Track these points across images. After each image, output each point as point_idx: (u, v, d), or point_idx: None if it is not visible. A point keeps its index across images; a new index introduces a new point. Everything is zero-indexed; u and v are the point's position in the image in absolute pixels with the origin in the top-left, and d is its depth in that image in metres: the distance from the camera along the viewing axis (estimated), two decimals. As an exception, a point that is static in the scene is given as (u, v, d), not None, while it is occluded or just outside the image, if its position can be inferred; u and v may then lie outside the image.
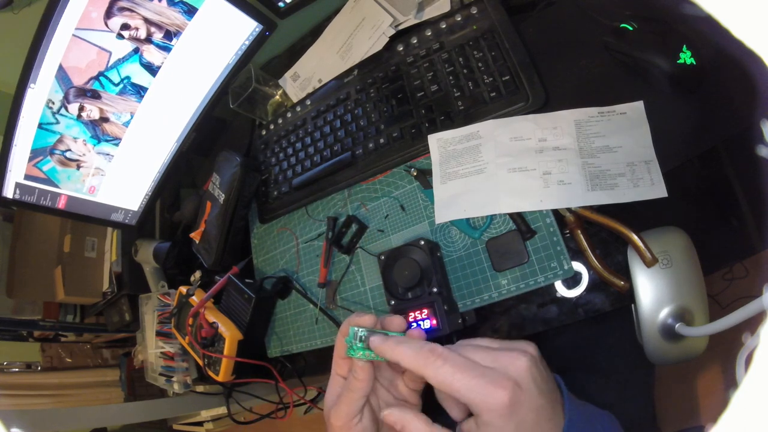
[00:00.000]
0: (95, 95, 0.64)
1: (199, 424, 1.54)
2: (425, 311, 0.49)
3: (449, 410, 0.32)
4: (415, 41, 0.62)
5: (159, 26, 0.62)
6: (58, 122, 0.64)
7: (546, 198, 0.48)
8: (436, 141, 0.57)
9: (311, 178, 0.67)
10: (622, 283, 0.43)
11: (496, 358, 0.29)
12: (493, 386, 0.27)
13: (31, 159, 0.66)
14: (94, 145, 0.70)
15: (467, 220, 0.53)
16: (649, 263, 0.41)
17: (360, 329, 0.33)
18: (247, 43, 0.71)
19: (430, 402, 0.35)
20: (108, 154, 0.72)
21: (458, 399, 0.28)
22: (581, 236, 0.46)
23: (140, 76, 0.66)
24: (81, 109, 0.64)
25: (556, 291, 0.49)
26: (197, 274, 0.78)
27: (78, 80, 0.61)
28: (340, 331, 0.35)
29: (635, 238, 0.42)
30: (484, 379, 0.27)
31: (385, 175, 0.62)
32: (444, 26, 0.60)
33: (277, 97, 0.79)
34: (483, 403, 0.27)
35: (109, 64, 0.62)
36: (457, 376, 0.28)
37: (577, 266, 0.48)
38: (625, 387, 0.58)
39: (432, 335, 0.48)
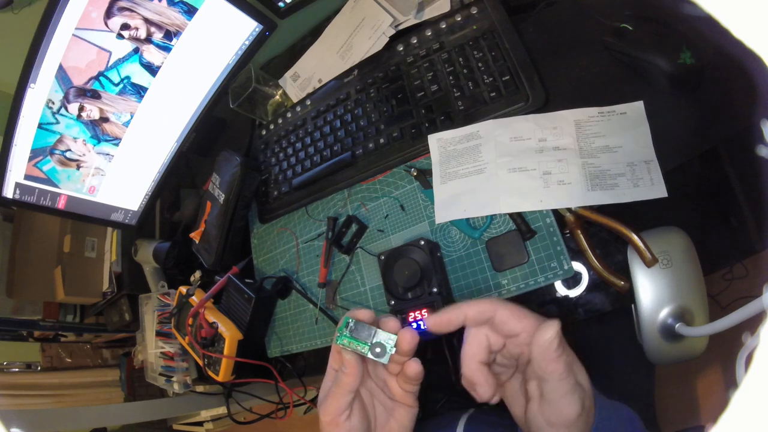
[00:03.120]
0: (95, 95, 0.64)
1: (199, 424, 1.54)
2: (425, 311, 0.49)
3: (479, 387, 0.32)
4: (415, 41, 0.62)
5: (159, 26, 0.62)
6: (58, 122, 0.64)
7: (546, 198, 0.48)
8: (436, 141, 0.57)
9: (311, 178, 0.67)
10: (622, 283, 0.43)
11: None
12: (544, 319, 0.30)
13: (31, 159, 0.66)
14: (94, 145, 0.70)
15: (467, 220, 0.53)
16: (649, 263, 0.41)
17: (352, 320, 0.33)
18: (247, 43, 0.71)
19: (425, 403, 0.35)
20: (108, 154, 0.72)
21: (524, 331, 0.30)
22: (581, 236, 0.46)
23: (140, 76, 0.66)
24: (81, 109, 0.64)
25: (556, 291, 0.49)
26: (197, 274, 0.78)
27: (78, 80, 0.61)
28: (340, 321, 0.35)
29: (635, 238, 0.42)
30: (537, 315, 0.31)
31: (385, 175, 0.62)
32: (444, 26, 0.60)
33: (277, 97, 0.79)
34: (545, 328, 0.29)
35: (109, 64, 0.62)
36: (522, 309, 0.31)
37: (577, 266, 0.48)
38: (625, 387, 0.58)
39: (432, 336, 0.48)
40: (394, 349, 0.32)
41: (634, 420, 0.32)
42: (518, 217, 0.50)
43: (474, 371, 0.31)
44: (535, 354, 0.29)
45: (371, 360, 0.33)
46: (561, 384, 0.29)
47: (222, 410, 0.95)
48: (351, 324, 0.33)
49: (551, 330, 0.29)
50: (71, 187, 0.73)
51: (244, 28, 0.69)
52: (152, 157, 0.79)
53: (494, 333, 0.31)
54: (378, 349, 0.32)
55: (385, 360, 0.32)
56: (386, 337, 0.32)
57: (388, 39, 0.66)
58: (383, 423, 0.36)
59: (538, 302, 0.50)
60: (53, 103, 0.61)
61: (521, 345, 0.31)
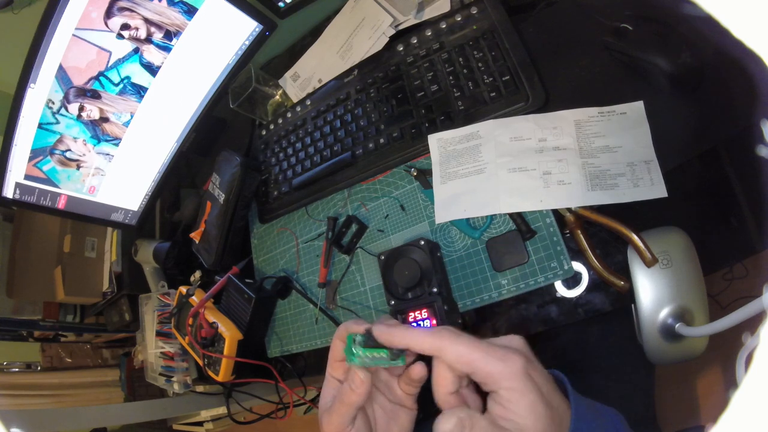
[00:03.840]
0: (95, 95, 0.64)
1: (199, 424, 1.54)
2: (425, 311, 0.49)
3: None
4: (415, 41, 0.62)
5: (159, 26, 0.62)
6: (58, 122, 0.64)
7: (546, 198, 0.48)
8: (436, 141, 0.57)
9: (311, 178, 0.67)
10: (622, 283, 0.43)
11: (494, 341, 0.30)
12: (507, 354, 0.28)
13: (31, 159, 0.66)
14: (94, 145, 0.70)
15: (467, 220, 0.53)
16: (649, 263, 0.41)
17: (357, 335, 0.32)
18: (247, 43, 0.71)
19: (425, 404, 0.35)
20: (108, 154, 0.72)
21: (474, 374, 0.28)
22: (581, 236, 0.46)
23: (140, 76, 0.66)
24: (81, 109, 0.64)
25: (556, 291, 0.49)
26: (197, 274, 0.78)
27: (78, 80, 0.61)
28: (336, 333, 0.34)
29: (635, 238, 0.42)
30: (497, 350, 0.28)
31: (385, 175, 0.62)
32: (444, 26, 0.60)
33: (277, 97, 0.79)
34: (503, 370, 0.27)
35: (109, 64, 0.62)
36: (474, 349, 0.28)
37: (577, 266, 0.48)
38: (625, 387, 0.58)
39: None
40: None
41: (619, 428, 0.31)
42: (518, 217, 0.50)
43: (443, 402, 0.30)
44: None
45: (392, 366, 0.31)
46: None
47: (222, 410, 0.96)
48: (358, 338, 0.32)
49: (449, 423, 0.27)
50: (71, 187, 0.73)
51: (244, 28, 0.69)
52: (152, 157, 0.79)
53: None
54: (396, 353, 0.31)
55: (402, 361, 0.31)
56: None
57: (388, 39, 0.66)
58: (383, 426, 0.36)
59: (538, 302, 0.50)
60: (53, 103, 0.61)
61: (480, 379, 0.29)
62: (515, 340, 0.30)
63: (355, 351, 0.31)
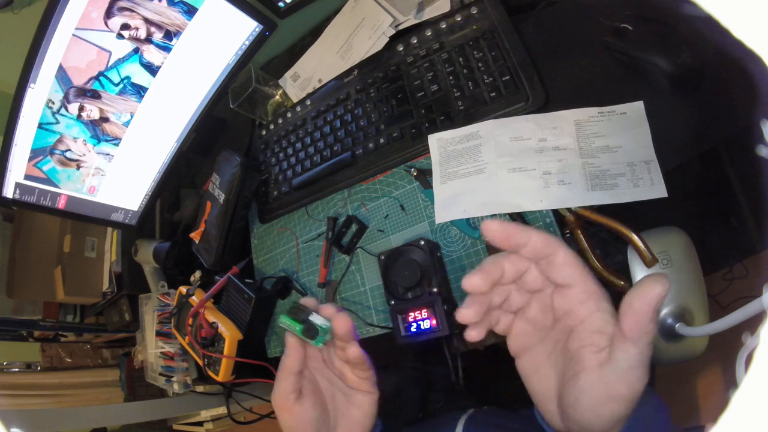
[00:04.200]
0: (95, 95, 0.64)
1: (199, 424, 1.54)
2: (425, 311, 0.49)
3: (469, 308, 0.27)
4: (415, 41, 0.62)
5: (159, 26, 0.62)
6: (58, 122, 0.64)
7: (546, 198, 0.48)
8: (436, 141, 0.57)
9: (311, 178, 0.67)
10: (622, 283, 0.43)
11: None
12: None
13: (31, 159, 0.66)
14: (94, 145, 0.70)
15: (467, 220, 0.53)
16: (649, 263, 0.41)
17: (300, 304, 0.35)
18: (247, 43, 0.71)
19: (425, 403, 0.35)
20: (108, 154, 0.72)
21: (575, 285, 0.27)
22: (581, 236, 0.46)
23: (140, 76, 0.66)
24: (81, 109, 0.64)
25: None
26: (197, 274, 0.78)
27: (78, 80, 0.61)
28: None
29: (635, 238, 0.42)
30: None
31: (385, 175, 0.62)
32: (444, 26, 0.60)
33: (277, 97, 0.79)
34: (654, 282, 0.25)
35: (109, 64, 0.62)
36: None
37: (577, 266, 0.47)
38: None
39: (432, 335, 0.48)
40: (328, 334, 0.33)
41: (662, 406, 0.31)
42: (518, 217, 0.50)
43: (473, 287, 0.27)
44: (637, 306, 0.24)
45: (309, 344, 0.34)
46: (644, 351, 0.25)
47: (222, 410, 0.96)
48: (292, 307, 0.35)
49: (660, 287, 0.23)
50: (71, 187, 0.73)
51: (244, 28, 0.69)
52: (152, 157, 0.78)
53: (520, 268, 0.27)
54: (311, 331, 0.33)
55: (316, 343, 0.34)
56: (321, 322, 0.34)
57: (388, 39, 0.66)
58: (344, 410, 0.37)
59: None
60: (53, 103, 0.61)
61: (571, 302, 0.27)
62: None
63: (283, 316, 0.34)
